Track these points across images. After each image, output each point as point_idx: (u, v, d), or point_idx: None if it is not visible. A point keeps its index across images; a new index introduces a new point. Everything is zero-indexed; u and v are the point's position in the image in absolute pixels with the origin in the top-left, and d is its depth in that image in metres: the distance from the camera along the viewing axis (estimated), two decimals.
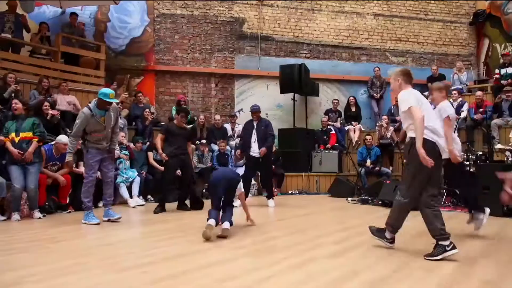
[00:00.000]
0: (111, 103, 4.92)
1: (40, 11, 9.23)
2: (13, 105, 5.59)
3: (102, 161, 5.11)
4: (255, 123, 6.76)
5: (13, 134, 5.38)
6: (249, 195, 8.26)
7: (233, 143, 9.22)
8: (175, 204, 6.42)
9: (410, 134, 3.44)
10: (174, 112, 9.31)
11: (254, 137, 6.69)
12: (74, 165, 6.23)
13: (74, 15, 9.14)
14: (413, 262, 3.16)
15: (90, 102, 5.09)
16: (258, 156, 6.61)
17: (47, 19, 9.08)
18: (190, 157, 6.66)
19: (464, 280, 2.71)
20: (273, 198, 6.90)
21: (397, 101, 4.31)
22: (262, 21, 10.92)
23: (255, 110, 6.78)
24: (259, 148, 6.62)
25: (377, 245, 3.77)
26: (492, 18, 11.55)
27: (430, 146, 3.29)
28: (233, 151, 8.67)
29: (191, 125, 8.35)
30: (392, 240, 3.63)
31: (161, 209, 6.00)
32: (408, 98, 3.38)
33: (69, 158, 5.00)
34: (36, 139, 5.43)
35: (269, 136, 6.72)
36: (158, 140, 6.26)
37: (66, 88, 7.84)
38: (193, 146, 7.27)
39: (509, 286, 2.61)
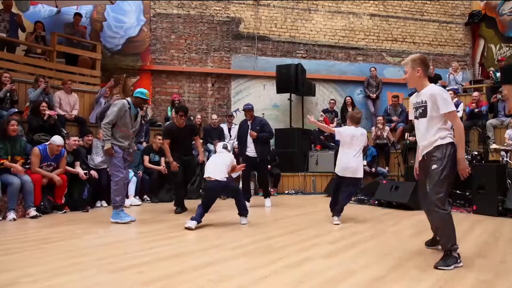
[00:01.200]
0: (147, 100, 5.17)
1: (36, 10, 9.20)
2: (11, 126, 5.53)
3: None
4: (249, 123, 6.62)
5: (9, 158, 5.47)
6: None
7: (230, 143, 9.20)
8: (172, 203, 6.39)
9: (442, 138, 3.10)
10: (169, 112, 9.30)
11: (249, 139, 6.57)
12: (71, 166, 6.27)
13: (78, 15, 9.11)
14: (408, 262, 3.17)
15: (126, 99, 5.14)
16: (255, 156, 6.55)
17: (42, 18, 9.04)
18: (198, 153, 6.57)
19: (460, 280, 2.73)
20: (269, 197, 6.87)
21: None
22: (258, 21, 10.92)
23: (247, 109, 6.62)
24: (256, 149, 6.52)
25: (373, 245, 3.78)
26: (488, 19, 11.63)
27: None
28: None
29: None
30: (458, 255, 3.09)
31: (181, 209, 5.93)
32: (450, 99, 3.13)
33: (107, 145, 4.85)
34: (23, 160, 5.66)
35: (266, 132, 6.60)
36: (166, 146, 6.00)
37: (69, 87, 7.82)
38: (200, 140, 6.94)
39: (505, 285, 2.62)
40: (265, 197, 6.85)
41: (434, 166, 3.08)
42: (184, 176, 6.07)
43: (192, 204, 6.04)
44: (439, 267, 2.94)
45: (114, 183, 5.00)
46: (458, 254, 3.04)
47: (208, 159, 8.41)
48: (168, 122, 8.64)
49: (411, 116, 3.44)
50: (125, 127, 4.97)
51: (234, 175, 7.90)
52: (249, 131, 6.56)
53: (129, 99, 5.08)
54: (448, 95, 3.18)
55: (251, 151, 6.60)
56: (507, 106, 8.63)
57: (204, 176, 4.85)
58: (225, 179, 4.77)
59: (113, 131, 4.93)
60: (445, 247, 3.07)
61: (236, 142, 7.35)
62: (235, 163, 5.22)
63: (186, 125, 6.05)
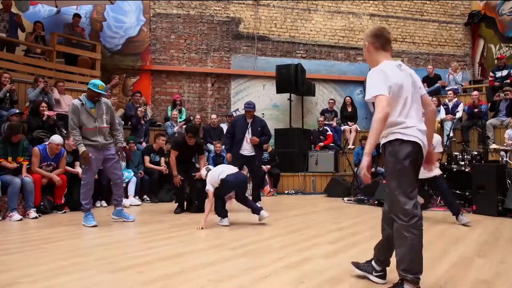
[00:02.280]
0: (99, 93, 4.90)
1: (35, 10, 9.20)
2: (14, 135, 5.54)
3: (106, 162, 4.98)
4: (249, 121, 6.25)
5: (10, 159, 5.51)
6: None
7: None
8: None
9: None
10: (169, 112, 9.30)
11: (248, 136, 6.22)
12: (71, 166, 6.27)
13: (77, 16, 9.10)
14: None
15: (80, 96, 5.07)
16: (250, 155, 6.21)
17: (42, 18, 9.04)
18: (198, 164, 6.30)
19: (460, 280, 2.72)
20: (260, 201, 6.28)
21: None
22: (258, 21, 10.92)
23: (250, 109, 6.23)
24: (254, 148, 6.22)
25: (373, 245, 3.77)
26: (487, 19, 11.63)
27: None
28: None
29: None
30: None
31: (181, 209, 5.98)
32: (376, 82, 2.41)
33: (81, 148, 4.76)
34: (27, 162, 5.68)
35: (266, 135, 6.37)
36: (173, 158, 5.89)
37: (62, 88, 7.81)
38: (205, 160, 6.72)
39: (505, 285, 2.62)
40: (256, 201, 5.97)
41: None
42: (185, 178, 6.04)
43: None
44: None
45: (82, 186, 4.91)
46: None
47: (207, 159, 8.52)
48: (177, 133, 8.55)
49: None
50: (88, 125, 4.83)
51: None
52: (249, 136, 6.19)
53: (82, 95, 4.97)
54: (377, 75, 2.42)
55: (247, 151, 6.23)
56: None
57: (222, 177, 4.71)
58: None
59: (83, 133, 4.83)
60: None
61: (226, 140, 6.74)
62: None
63: (195, 144, 5.98)
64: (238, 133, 6.27)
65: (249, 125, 6.25)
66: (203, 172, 5.06)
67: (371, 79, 2.43)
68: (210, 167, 5.10)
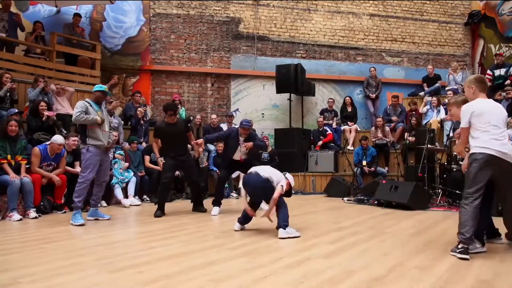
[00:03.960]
0: (107, 94, 5.20)
1: (35, 10, 9.20)
2: (10, 126, 5.54)
3: (101, 164, 5.06)
4: (241, 139, 5.74)
5: (9, 157, 5.49)
6: (233, 195, 8.23)
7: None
8: (176, 205, 6.36)
9: None
10: None
11: (238, 154, 5.80)
12: (71, 166, 6.27)
13: (77, 16, 9.10)
14: (408, 262, 3.17)
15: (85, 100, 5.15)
16: (239, 159, 5.82)
17: (42, 18, 9.03)
18: (194, 154, 6.22)
19: (460, 279, 2.73)
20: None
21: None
22: (258, 21, 10.92)
23: (247, 126, 5.73)
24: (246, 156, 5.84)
25: (373, 245, 3.78)
26: (487, 19, 11.63)
27: None
28: None
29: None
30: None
31: (161, 212, 5.61)
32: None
33: (98, 120, 4.92)
34: (25, 162, 5.66)
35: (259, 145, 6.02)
36: (154, 145, 6.10)
37: (59, 90, 7.76)
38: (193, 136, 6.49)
39: (504, 285, 2.62)
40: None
41: None
42: (184, 176, 5.94)
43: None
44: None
45: (78, 183, 4.94)
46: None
47: (208, 159, 8.51)
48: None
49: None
50: (96, 125, 5.01)
51: (234, 175, 7.82)
52: (242, 147, 5.74)
53: (87, 99, 5.19)
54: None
55: (235, 157, 5.85)
56: None
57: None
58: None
59: (89, 133, 4.94)
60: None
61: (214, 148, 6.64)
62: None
63: (178, 121, 5.82)
64: (230, 150, 5.87)
65: (240, 143, 5.75)
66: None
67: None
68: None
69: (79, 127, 5.06)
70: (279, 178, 4.28)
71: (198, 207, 6.02)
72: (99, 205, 5.39)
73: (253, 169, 4.37)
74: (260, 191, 4.26)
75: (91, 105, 4.97)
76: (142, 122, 8.52)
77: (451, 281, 2.70)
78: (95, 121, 4.92)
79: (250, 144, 5.71)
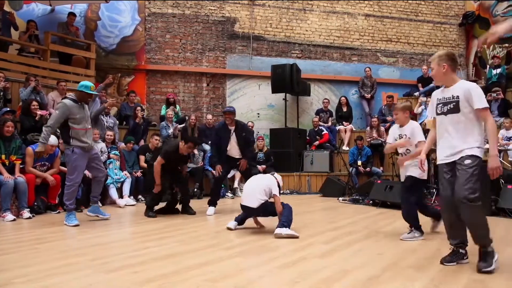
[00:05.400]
0: (92, 95, 4.98)
1: (29, 9, 9.14)
2: (6, 127, 5.50)
3: (91, 161, 5.01)
4: (231, 129, 5.81)
5: (3, 157, 5.47)
6: (228, 195, 8.20)
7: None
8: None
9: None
10: (164, 111, 9.26)
11: (233, 144, 5.86)
12: (65, 166, 6.22)
13: (72, 15, 9.04)
14: (403, 261, 3.19)
15: (69, 95, 5.07)
16: (238, 158, 5.91)
17: (36, 17, 8.98)
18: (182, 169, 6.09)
19: (453, 279, 2.74)
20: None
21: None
22: (253, 21, 10.92)
23: (228, 111, 5.78)
24: (243, 154, 5.92)
25: (367, 245, 3.80)
26: (481, 20, 11.69)
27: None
28: None
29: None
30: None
31: (152, 212, 5.58)
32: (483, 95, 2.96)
33: (41, 148, 4.86)
34: (19, 162, 5.63)
35: (251, 145, 6.01)
36: (157, 167, 5.54)
37: (63, 88, 7.70)
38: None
39: (498, 285, 2.64)
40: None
41: (467, 161, 2.95)
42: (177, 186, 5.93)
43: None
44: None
45: (67, 187, 4.86)
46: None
47: (203, 159, 8.50)
48: (169, 139, 8.25)
49: (433, 113, 3.25)
50: (81, 124, 4.88)
51: (229, 175, 7.75)
52: (235, 142, 5.84)
53: (70, 95, 5.06)
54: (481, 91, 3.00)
55: (231, 153, 5.95)
56: None
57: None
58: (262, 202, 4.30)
59: (72, 133, 4.81)
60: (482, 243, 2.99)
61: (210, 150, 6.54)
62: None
63: (186, 155, 5.82)
64: (224, 143, 5.91)
65: (232, 133, 5.84)
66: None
67: (481, 92, 2.97)
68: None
69: (60, 129, 4.90)
70: (269, 186, 4.36)
71: (187, 209, 5.87)
72: (99, 203, 5.30)
73: (245, 201, 4.37)
74: (260, 212, 4.43)
75: (74, 102, 4.81)
76: (137, 121, 8.47)
77: (445, 280, 2.72)
78: (40, 148, 4.86)
79: (244, 163, 5.84)
